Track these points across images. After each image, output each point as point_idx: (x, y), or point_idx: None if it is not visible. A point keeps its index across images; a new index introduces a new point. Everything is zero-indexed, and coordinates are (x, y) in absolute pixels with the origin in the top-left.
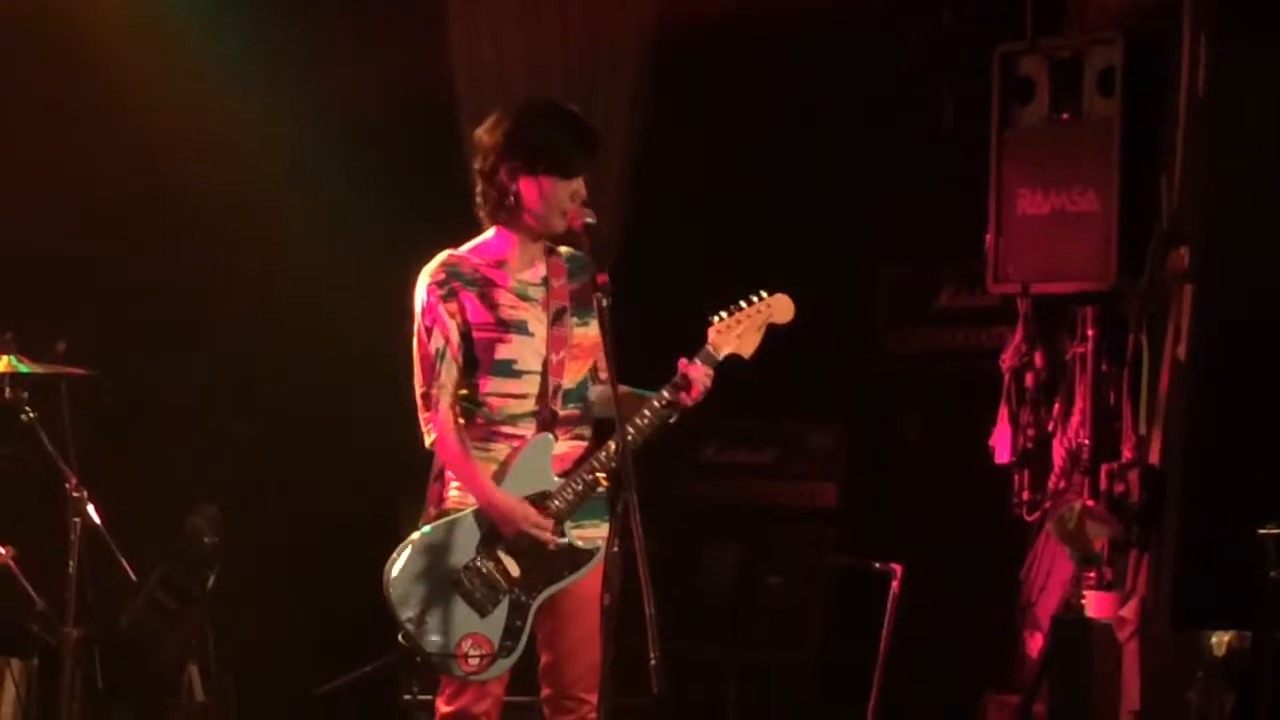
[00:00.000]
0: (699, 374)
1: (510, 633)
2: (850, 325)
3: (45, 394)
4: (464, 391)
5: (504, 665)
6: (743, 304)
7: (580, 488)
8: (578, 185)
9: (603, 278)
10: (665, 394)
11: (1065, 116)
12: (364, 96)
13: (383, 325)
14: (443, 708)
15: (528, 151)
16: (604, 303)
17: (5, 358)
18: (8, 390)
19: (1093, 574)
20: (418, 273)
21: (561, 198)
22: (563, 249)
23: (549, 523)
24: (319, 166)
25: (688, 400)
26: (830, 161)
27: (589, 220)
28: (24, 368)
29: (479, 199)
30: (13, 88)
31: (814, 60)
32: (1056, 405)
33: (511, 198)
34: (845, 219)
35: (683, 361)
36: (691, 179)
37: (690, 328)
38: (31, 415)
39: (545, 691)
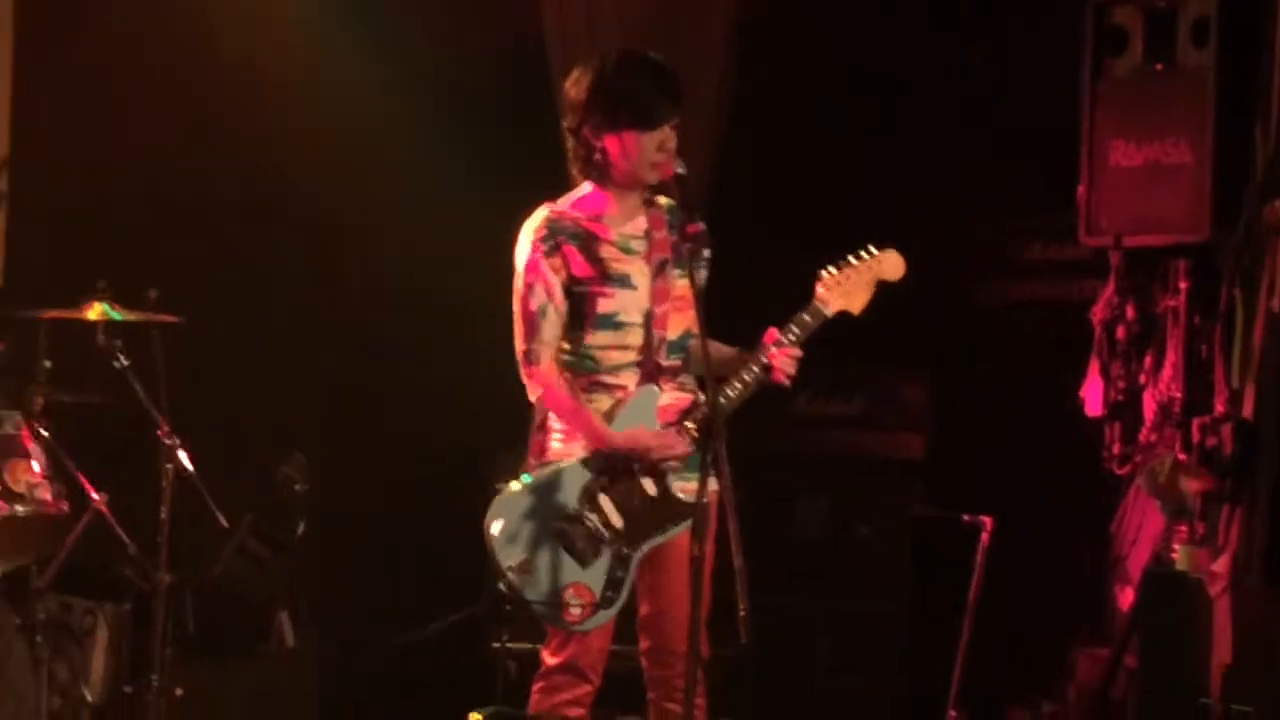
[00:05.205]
0: (784, 358)
1: (612, 584)
2: (941, 276)
3: (138, 341)
4: (567, 345)
5: (605, 616)
6: (851, 259)
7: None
8: (665, 135)
9: (693, 228)
10: (755, 369)
11: (1159, 67)
12: (457, 44)
13: (476, 273)
14: (548, 659)
15: (609, 107)
16: (704, 253)
17: (99, 305)
18: (101, 338)
19: (1184, 528)
20: (510, 220)
21: (648, 149)
22: (663, 200)
23: (675, 437)
24: (412, 116)
25: (779, 379)
26: (926, 110)
27: (679, 170)
28: (117, 315)
29: (570, 155)
30: (107, 41)
31: (909, 8)
32: (1148, 358)
33: (599, 154)
34: (939, 169)
35: (770, 334)
36: (780, 131)
37: (779, 280)
38: (124, 362)
39: (644, 644)
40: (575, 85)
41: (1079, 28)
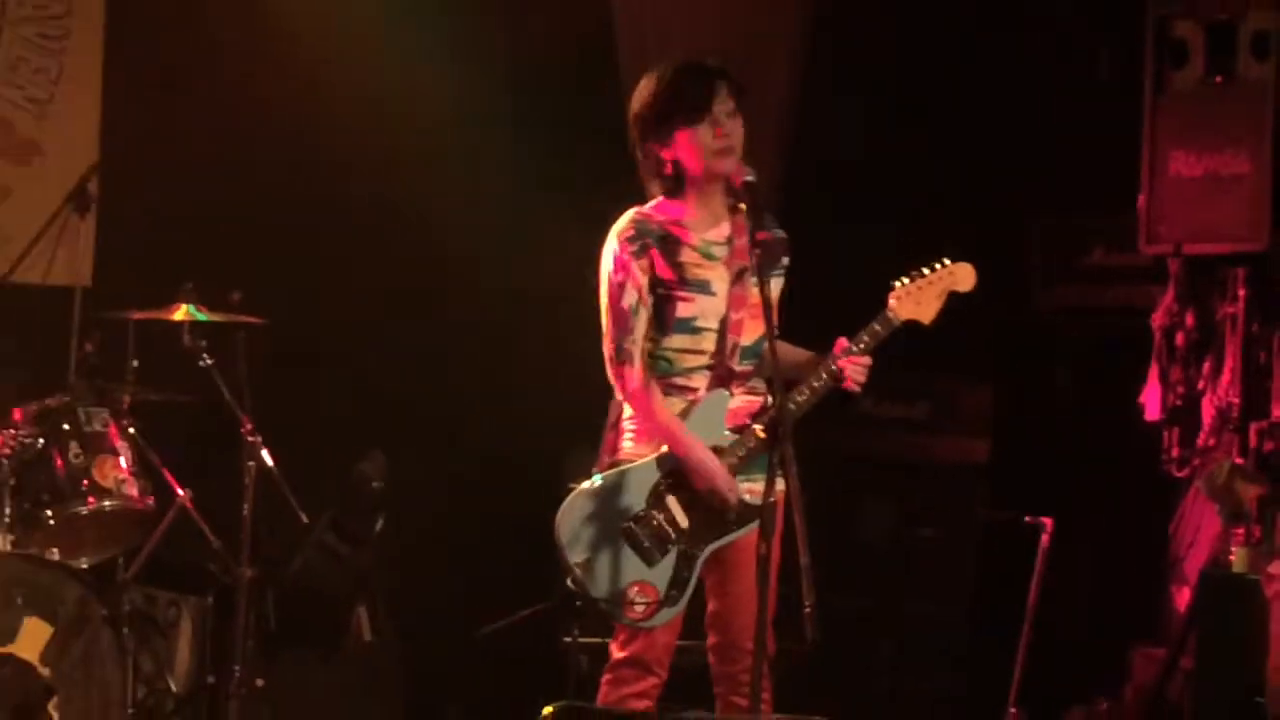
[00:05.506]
0: (854, 366)
1: (677, 582)
2: (1003, 282)
3: (222, 342)
4: (646, 345)
5: (669, 614)
6: (924, 270)
7: (752, 444)
8: (717, 119)
9: (764, 235)
10: (824, 375)
11: (1219, 79)
12: (529, 47)
13: (555, 275)
14: (616, 652)
15: (658, 114)
16: (782, 261)
17: (185, 306)
18: (187, 338)
19: (1241, 531)
20: (589, 223)
21: (705, 140)
22: (759, 206)
23: (735, 485)
24: (489, 118)
25: (848, 386)
26: (985, 118)
27: (749, 179)
28: (202, 316)
29: (646, 175)
30: (193, 48)
31: (971, 15)
32: (1207, 364)
33: (667, 166)
34: (999, 175)
35: (840, 343)
36: (843, 134)
37: (845, 285)
38: (209, 362)
39: (712, 639)
40: (631, 106)
41: (1140, 37)
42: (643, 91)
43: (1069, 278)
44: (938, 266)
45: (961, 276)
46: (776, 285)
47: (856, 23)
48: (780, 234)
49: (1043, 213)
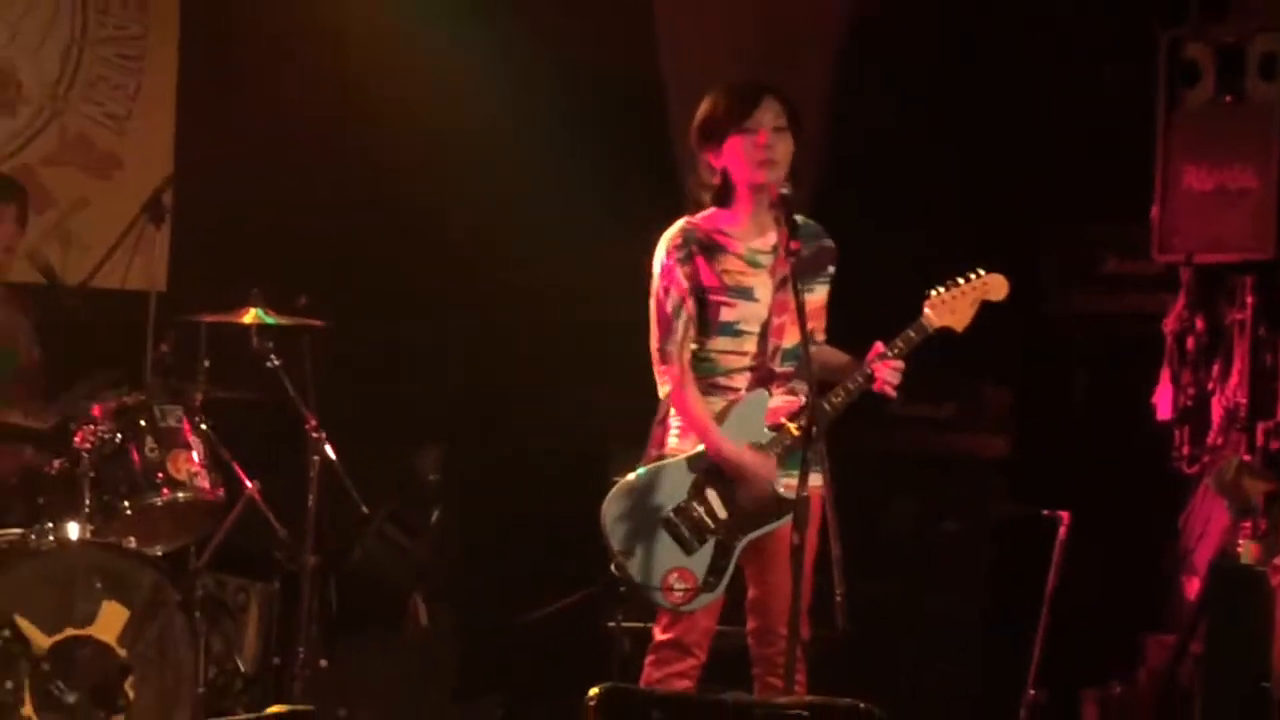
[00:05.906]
0: (888, 369)
1: (714, 570)
2: (1026, 290)
3: (289, 344)
4: (692, 346)
5: (706, 599)
6: (959, 280)
7: (788, 441)
8: (760, 125)
9: (796, 244)
10: (859, 378)
11: (1229, 99)
12: (579, 61)
13: (607, 278)
14: (659, 635)
15: (709, 128)
16: (828, 269)
17: (253, 310)
18: (255, 340)
19: (1249, 524)
20: (632, 228)
21: (749, 149)
22: (798, 218)
23: (774, 473)
24: (543, 127)
25: (884, 390)
26: (1004, 124)
27: (784, 191)
28: (270, 319)
29: (701, 186)
30: (256, 62)
31: (982, 20)
32: (1216, 367)
33: (717, 175)
34: (1016, 183)
35: (876, 348)
36: (865, 144)
37: (866, 292)
38: (276, 362)
39: (751, 624)
40: (694, 120)
41: (1152, 56)
42: (703, 105)
43: (1085, 285)
44: (972, 276)
45: (994, 286)
46: (821, 292)
47: (877, 39)
48: (828, 244)
49: (1057, 221)
